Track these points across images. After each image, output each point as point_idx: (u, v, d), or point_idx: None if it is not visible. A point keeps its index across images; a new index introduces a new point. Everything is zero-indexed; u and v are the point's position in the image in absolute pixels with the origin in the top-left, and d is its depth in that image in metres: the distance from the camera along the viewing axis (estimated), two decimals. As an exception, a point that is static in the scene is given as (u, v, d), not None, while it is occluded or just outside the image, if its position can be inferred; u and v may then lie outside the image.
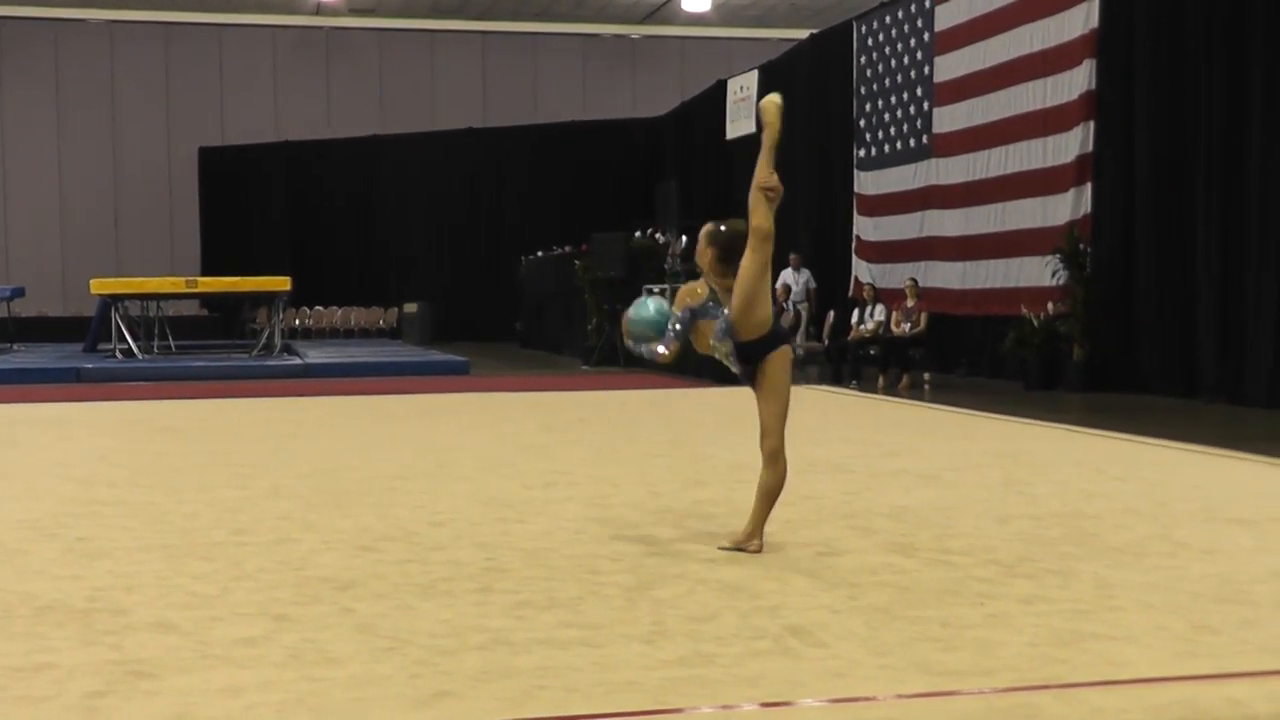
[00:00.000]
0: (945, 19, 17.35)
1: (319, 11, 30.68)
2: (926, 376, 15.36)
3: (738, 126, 23.64)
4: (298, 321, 29.03)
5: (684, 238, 21.31)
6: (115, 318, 19.74)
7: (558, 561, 5.35)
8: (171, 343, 22.36)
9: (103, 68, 30.81)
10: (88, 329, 22.15)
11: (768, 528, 5.58)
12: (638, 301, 5.70)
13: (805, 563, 5.29)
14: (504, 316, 28.16)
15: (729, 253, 5.44)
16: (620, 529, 6.09)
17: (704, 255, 5.55)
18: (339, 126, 31.10)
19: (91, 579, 5.11)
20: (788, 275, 19.14)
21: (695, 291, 5.52)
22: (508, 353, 24.22)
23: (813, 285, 19.19)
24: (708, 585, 4.88)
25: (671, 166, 27.42)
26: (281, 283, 20.03)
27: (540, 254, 25.81)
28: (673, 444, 9.72)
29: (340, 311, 30.01)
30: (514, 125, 30.33)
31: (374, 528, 6.19)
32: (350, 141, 30.45)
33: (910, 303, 15.67)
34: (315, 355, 20.05)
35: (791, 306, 18.66)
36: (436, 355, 20.69)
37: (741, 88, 23.66)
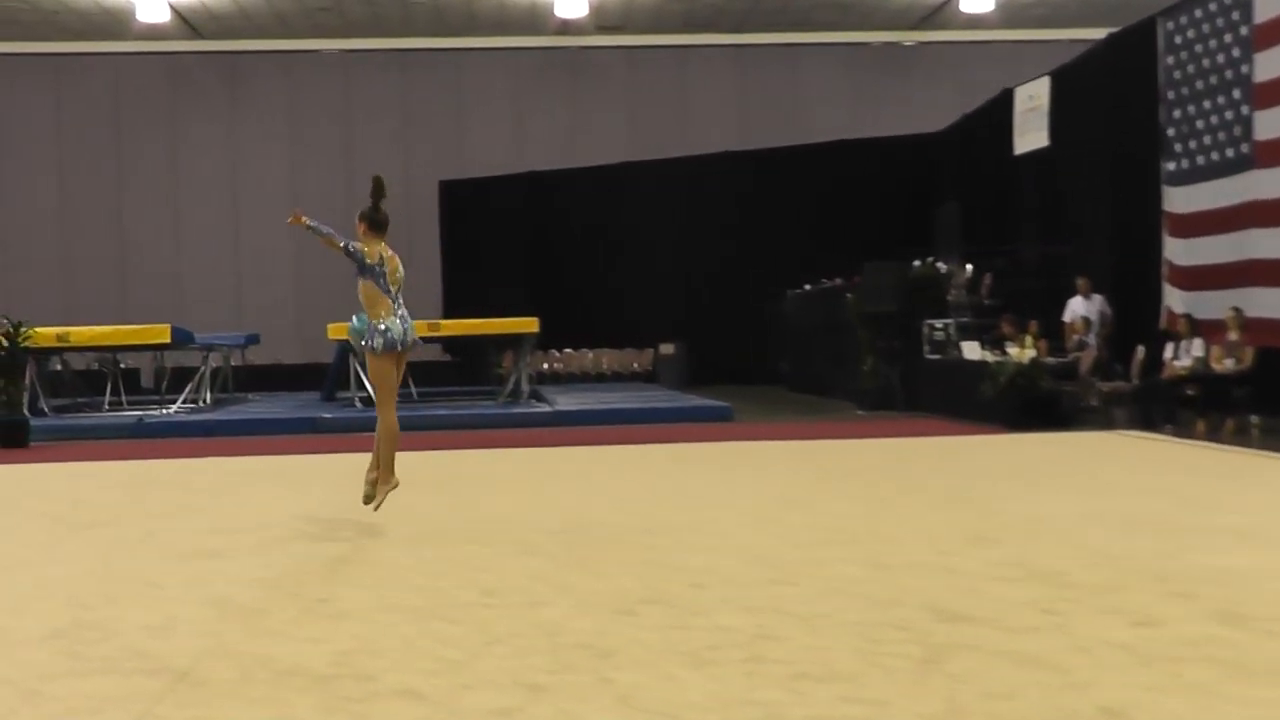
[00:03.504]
0: (1266, 10, 16.69)
1: (564, 31, 31.40)
2: (1254, 420, 14.73)
3: (1027, 140, 23.20)
4: (545, 365, 29.54)
5: (969, 267, 20.99)
6: (354, 364, 20.46)
7: (835, 629, 5.30)
8: (413, 390, 23.00)
9: (337, 100, 32.09)
10: (325, 377, 23.02)
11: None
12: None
13: (1117, 633, 5.12)
14: (768, 357, 28.16)
15: (374, 225, 8.49)
16: (903, 592, 6.00)
17: (358, 229, 8.49)
18: (585, 154, 31.66)
19: (333, 642, 5.29)
20: (1077, 305, 18.57)
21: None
22: (773, 397, 24.20)
23: (1108, 311, 18.55)
24: (1007, 657, 4.76)
25: (951, 186, 27.07)
26: (528, 324, 20.45)
27: (807, 287, 25.75)
28: (958, 497, 9.55)
29: (591, 354, 30.40)
30: (774, 146, 30.37)
31: (632, 589, 6.24)
32: (597, 170, 30.94)
33: (1233, 335, 15.07)
34: (565, 402, 20.40)
35: (1093, 340, 18.13)
36: (695, 400, 20.80)
37: (1030, 96, 23.24)
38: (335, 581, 6.67)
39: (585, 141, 32.25)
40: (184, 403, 21.15)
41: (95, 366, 24.22)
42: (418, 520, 8.92)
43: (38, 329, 18.39)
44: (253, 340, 24.60)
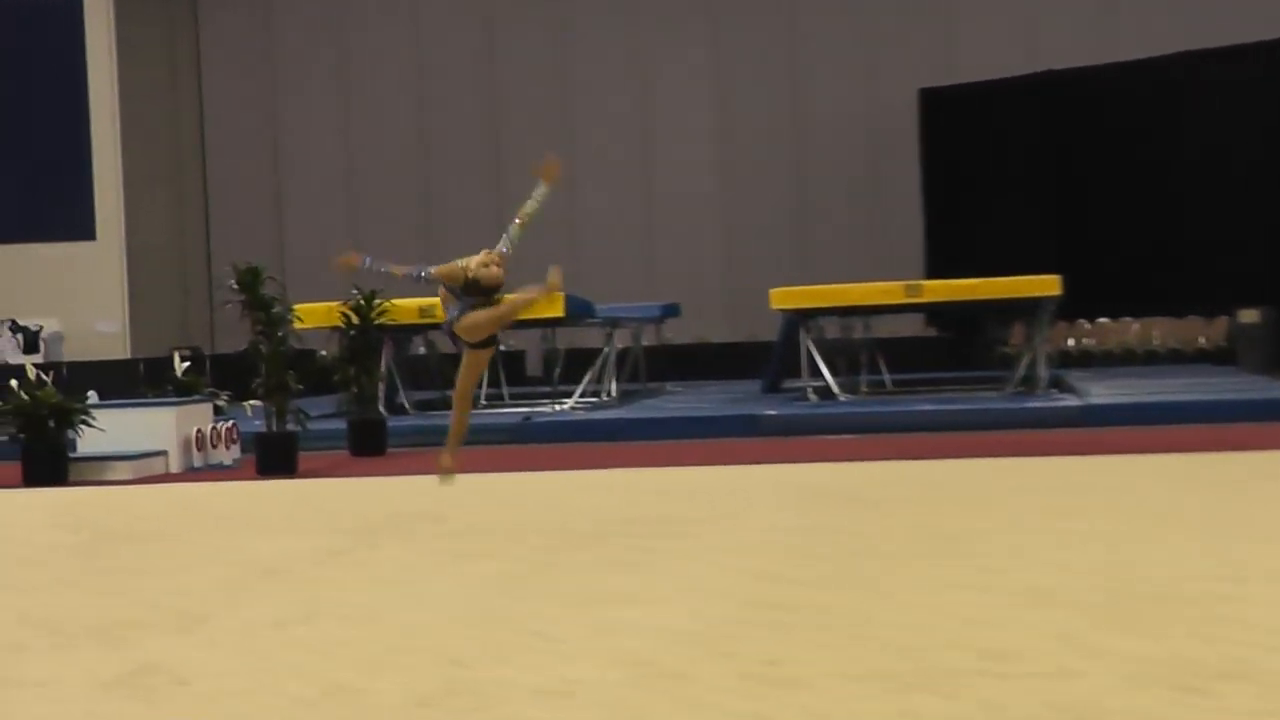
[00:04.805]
0: None
1: None
2: None
3: None
4: (1070, 342, 29.13)
5: None
6: (805, 343, 20.58)
7: None
8: (886, 377, 23.05)
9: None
10: (766, 360, 23.27)
11: None
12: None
13: None
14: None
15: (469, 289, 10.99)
16: None
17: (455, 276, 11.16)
18: (1124, 44, 30.86)
19: (785, 719, 5.29)
20: None
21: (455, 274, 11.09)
22: None
23: None
24: None
25: None
26: (1046, 284, 20.13)
27: None
28: None
29: (1136, 325, 29.82)
30: None
31: (1202, 658, 6.04)
32: (1142, 65, 30.12)
33: None
34: (1099, 393, 20.10)
35: None
36: (1290, 390, 20.20)
37: None
38: (784, 637, 6.67)
39: (1124, 25, 31.45)
40: (582, 396, 21.76)
41: (461, 348, 25.14)
42: (893, 556, 8.88)
43: (396, 300, 18.97)
44: (671, 312, 25.02)
